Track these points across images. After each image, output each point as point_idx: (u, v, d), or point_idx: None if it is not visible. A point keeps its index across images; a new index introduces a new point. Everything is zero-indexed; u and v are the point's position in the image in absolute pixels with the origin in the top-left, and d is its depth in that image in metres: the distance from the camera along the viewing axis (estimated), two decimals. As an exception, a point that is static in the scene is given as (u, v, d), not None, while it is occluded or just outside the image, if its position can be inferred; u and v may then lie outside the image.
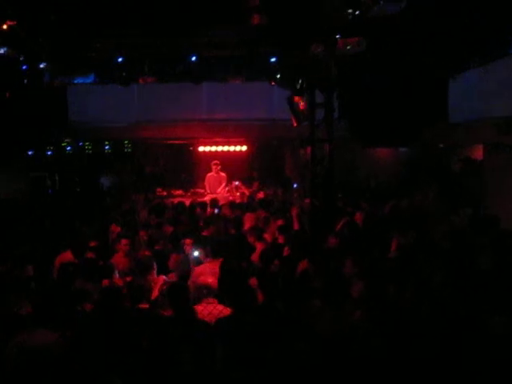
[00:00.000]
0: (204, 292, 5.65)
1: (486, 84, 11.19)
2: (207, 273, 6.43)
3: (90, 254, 7.49)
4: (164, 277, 6.68)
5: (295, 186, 15.23)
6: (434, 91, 12.90)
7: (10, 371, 4.22)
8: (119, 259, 7.66)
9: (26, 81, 15.78)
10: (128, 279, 6.61)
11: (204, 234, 8.94)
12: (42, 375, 4.01)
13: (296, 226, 9.33)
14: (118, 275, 6.83)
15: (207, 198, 12.60)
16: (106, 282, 6.33)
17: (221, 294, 5.74)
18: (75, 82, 15.20)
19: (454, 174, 14.14)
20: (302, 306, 5.26)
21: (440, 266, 6.07)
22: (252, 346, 4.44)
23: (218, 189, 13.72)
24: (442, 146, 15.25)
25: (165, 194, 14.46)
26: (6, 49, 12.04)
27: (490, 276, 5.88)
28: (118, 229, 9.30)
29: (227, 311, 5.43)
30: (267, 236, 8.78)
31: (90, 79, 15.57)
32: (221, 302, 5.64)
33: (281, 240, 8.36)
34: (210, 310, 5.52)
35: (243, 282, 5.86)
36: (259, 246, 7.98)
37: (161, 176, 17.44)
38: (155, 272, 6.81)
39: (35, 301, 5.29)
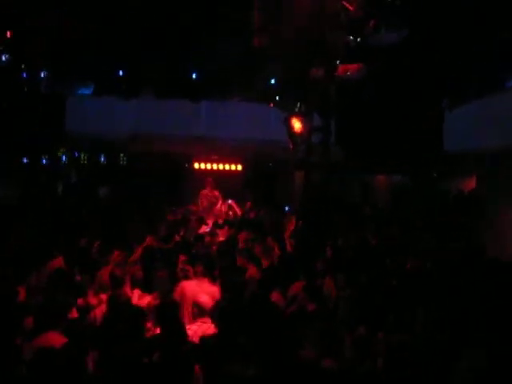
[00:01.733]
0: (195, 311, 5.64)
1: (482, 117, 11.32)
2: (199, 291, 6.41)
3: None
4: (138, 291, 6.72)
5: (287, 208, 15.25)
6: (430, 121, 13.03)
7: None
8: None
9: (25, 88, 15.89)
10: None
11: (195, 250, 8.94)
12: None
13: (288, 248, 9.36)
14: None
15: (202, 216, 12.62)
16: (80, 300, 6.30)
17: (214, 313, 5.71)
18: (75, 92, 15.28)
19: (446, 209, 14.19)
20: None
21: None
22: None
23: (212, 206, 13.70)
24: (435, 175, 15.39)
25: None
26: (7, 56, 12.13)
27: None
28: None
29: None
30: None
31: (89, 90, 15.65)
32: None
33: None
34: (204, 329, 5.51)
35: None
36: (251, 269, 7.96)
37: (155, 190, 17.41)
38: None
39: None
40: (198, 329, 5.47)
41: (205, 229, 11.21)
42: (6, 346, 4.55)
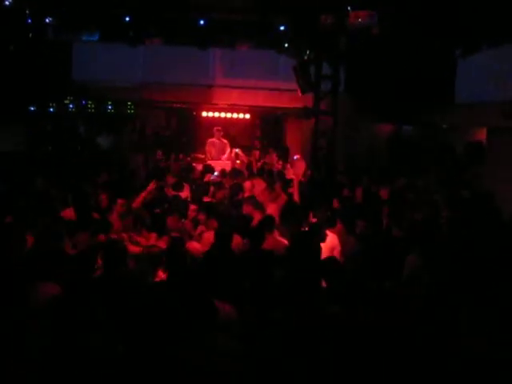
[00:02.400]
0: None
1: (496, 66, 11.08)
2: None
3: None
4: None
5: (295, 157, 15.18)
6: (442, 70, 12.77)
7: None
8: (113, 220, 7.63)
9: (30, 35, 15.65)
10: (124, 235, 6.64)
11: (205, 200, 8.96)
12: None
13: (296, 197, 9.34)
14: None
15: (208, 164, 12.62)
16: (102, 237, 6.33)
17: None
18: (80, 39, 15.04)
19: (456, 158, 14.09)
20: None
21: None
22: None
23: (220, 155, 13.66)
24: (445, 126, 15.19)
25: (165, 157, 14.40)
26: (11, 1, 11.89)
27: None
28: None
29: None
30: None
31: (95, 37, 15.40)
32: None
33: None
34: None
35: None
36: (257, 216, 7.95)
37: (162, 139, 17.36)
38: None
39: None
40: None
41: (210, 177, 11.23)
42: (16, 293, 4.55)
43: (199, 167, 12.44)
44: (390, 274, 5.65)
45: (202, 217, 7.81)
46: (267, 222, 6.92)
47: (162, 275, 5.38)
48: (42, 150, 15.92)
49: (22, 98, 14.79)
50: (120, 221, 7.51)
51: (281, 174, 11.22)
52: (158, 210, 8.29)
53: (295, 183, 9.63)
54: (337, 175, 10.76)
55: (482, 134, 13.52)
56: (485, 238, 6.91)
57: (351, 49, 11.57)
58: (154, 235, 6.85)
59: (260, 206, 8.18)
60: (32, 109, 17.10)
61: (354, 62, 12.86)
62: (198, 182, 10.89)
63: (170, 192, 9.46)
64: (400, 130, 16.33)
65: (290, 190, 9.76)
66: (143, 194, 8.35)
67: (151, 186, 8.55)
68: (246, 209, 8.21)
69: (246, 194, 9.52)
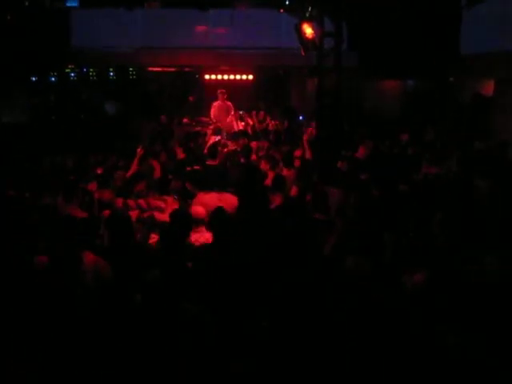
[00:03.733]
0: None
1: (502, 15, 10.83)
2: (199, 203, 6.48)
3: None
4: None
5: (301, 117, 15.06)
6: (446, 21, 12.51)
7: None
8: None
9: (26, 3, 15.44)
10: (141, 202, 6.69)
11: (209, 162, 8.92)
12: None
13: (308, 155, 9.31)
14: None
15: (213, 127, 12.57)
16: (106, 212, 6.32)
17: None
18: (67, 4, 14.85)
19: (463, 109, 13.91)
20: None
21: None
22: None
23: (224, 117, 13.56)
24: (451, 79, 14.97)
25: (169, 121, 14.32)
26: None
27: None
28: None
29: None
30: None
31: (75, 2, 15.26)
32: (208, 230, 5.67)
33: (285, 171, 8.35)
34: (197, 237, 5.57)
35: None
36: (271, 175, 7.99)
37: (165, 103, 17.23)
38: None
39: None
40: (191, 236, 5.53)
41: (214, 139, 11.18)
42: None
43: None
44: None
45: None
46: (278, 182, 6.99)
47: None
48: (46, 120, 15.85)
49: (23, 69, 14.67)
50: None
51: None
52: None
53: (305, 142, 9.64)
54: (343, 133, 10.67)
55: (489, 86, 13.33)
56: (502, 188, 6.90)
57: (353, 4, 11.31)
58: (170, 199, 6.90)
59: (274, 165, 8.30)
60: (33, 79, 17.00)
61: (357, 18, 12.61)
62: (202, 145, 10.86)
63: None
64: (405, 85, 16.12)
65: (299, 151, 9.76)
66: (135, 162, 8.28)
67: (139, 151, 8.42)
68: (264, 166, 8.31)
69: (252, 157, 9.53)
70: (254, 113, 13.91)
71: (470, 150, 9.65)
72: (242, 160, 9.31)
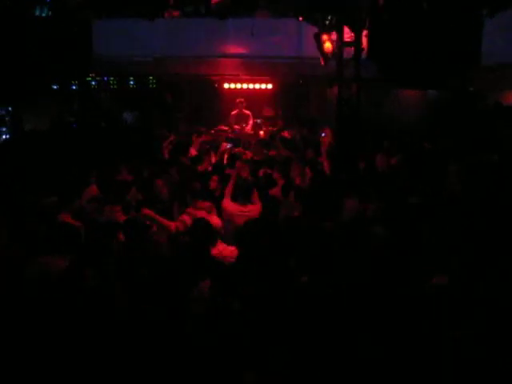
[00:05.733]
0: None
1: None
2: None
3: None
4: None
5: (323, 134, 15.02)
6: (468, 30, 12.42)
7: (30, 292, 4.29)
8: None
9: (50, 13, 15.65)
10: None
11: (228, 172, 8.95)
12: (62, 298, 4.08)
13: (326, 165, 9.31)
14: None
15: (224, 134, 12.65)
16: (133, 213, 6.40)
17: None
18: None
19: (481, 118, 13.77)
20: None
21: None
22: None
23: (244, 126, 13.60)
24: (471, 89, 14.85)
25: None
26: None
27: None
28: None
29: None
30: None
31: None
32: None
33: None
34: (221, 249, 5.58)
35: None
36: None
37: (185, 113, 17.31)
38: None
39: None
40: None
41: (225, 146, 11.23)
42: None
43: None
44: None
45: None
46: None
47: None
48: (69, 128, 16.04)
49: (46, 77, 14.87)
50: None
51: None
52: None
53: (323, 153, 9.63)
54: (363, 143, 10.63)
55: (510, 97, 13.20)
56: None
57: (373, 13, 11.30)
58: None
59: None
60: (55, 87, 17.21)
61: (377, 27, 12.58)
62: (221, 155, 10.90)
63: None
64: (426, 95, 16.01)
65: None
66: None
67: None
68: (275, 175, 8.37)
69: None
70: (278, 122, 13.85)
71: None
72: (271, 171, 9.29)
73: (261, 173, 9.30)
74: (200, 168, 9.60)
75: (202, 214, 6.57)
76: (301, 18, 12.51)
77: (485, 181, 7.95)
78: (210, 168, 9.72)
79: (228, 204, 7.17)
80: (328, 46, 10.34)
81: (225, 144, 11.42)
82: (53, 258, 4.78)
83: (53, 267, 4.61)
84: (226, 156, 10.33)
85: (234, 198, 7.29)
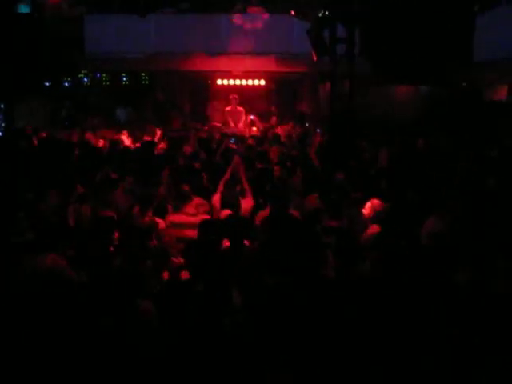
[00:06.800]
0: None
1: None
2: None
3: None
4: None
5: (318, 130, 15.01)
6: (459, 27, 12.47)
7: (20, 294, 4.26)
8: (119, 195, 7.53)
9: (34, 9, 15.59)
10: None
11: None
12: (52, 299, 4.06)
13: (316, 162, 9.29)
14: None
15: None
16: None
17: None
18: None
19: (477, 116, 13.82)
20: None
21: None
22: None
23: (236, 123, 13.58)
24: (464, 84, 14.90)
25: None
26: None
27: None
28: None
29: None
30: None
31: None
32: None
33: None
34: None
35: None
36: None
37: (178, 109, 17.24)
38: None
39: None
40: None
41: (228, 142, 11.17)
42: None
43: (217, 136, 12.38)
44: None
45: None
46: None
47: None
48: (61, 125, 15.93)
49: (37, 74, 14.81)
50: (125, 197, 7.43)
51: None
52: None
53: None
54: (357, 139, 10.62)
55: (502, 92, 13.26)
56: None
57: (365, 10, 11.31)
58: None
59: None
60: (47, 84, 17.11)
61: (369, 23, 12.60)
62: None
63: None
64: (418, 91, 16.04)
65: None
66: None
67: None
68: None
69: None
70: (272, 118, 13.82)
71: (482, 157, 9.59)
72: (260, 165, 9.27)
73: (255, 168, 9.25)
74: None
75: (185, 218, 6.61)
76: (292, 12, 12.49)
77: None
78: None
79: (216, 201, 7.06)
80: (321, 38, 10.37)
81: (227, 140, 11.20)
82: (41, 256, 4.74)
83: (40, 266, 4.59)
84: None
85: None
